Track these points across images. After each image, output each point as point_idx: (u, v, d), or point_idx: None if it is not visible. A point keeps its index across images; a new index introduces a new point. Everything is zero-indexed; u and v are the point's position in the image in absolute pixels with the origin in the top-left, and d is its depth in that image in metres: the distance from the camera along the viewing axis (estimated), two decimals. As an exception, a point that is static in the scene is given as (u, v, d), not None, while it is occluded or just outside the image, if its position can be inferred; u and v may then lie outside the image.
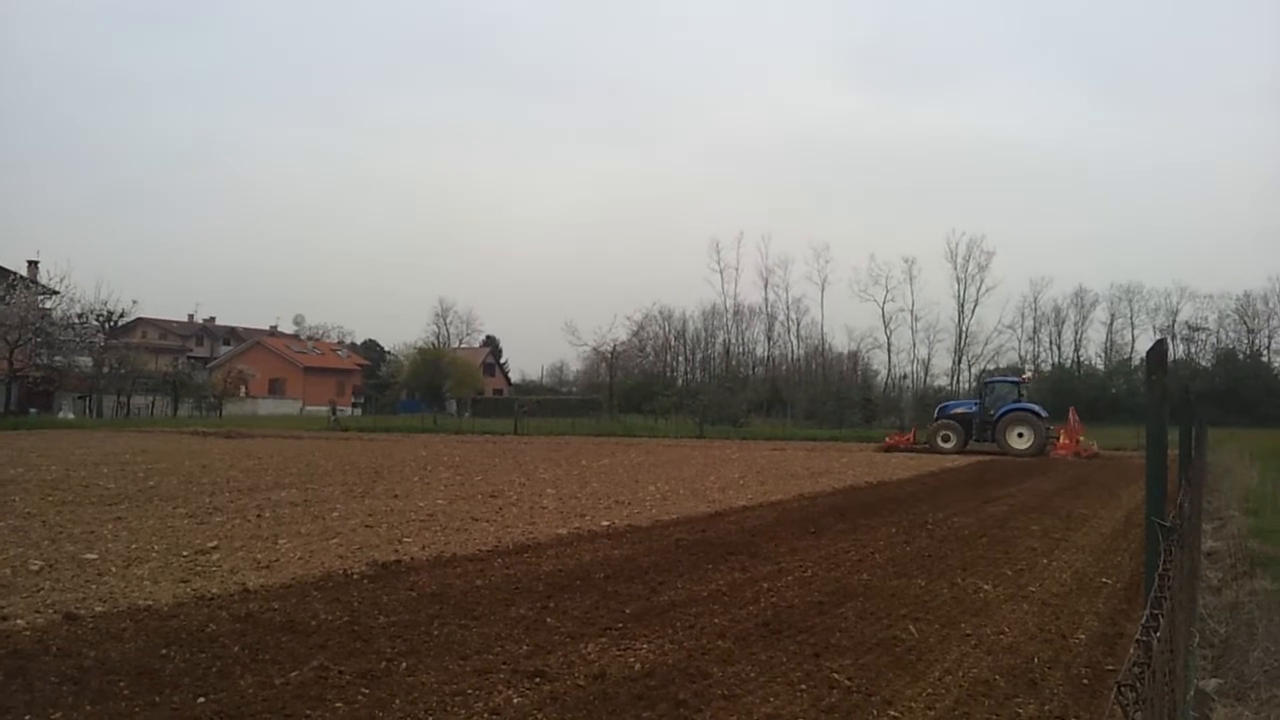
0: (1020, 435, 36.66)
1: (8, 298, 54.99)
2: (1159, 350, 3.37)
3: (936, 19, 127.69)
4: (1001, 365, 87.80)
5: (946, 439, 37.69)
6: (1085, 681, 6.64)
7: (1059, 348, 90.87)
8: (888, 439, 41.08)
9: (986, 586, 9.89)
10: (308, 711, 5.61)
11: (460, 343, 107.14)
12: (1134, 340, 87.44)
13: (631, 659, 6.85)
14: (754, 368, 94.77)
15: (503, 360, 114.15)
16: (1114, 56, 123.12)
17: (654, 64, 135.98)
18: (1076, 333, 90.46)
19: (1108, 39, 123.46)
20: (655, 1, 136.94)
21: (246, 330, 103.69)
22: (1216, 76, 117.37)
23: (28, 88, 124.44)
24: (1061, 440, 36.93)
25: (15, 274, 59.71)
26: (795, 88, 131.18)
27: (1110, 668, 6.87)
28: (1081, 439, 37.33)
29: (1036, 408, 38.43)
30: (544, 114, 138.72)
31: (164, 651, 6.70)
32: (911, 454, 36.43)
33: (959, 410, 39.30)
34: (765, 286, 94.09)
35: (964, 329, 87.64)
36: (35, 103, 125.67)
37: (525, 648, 7.05)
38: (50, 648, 6.74)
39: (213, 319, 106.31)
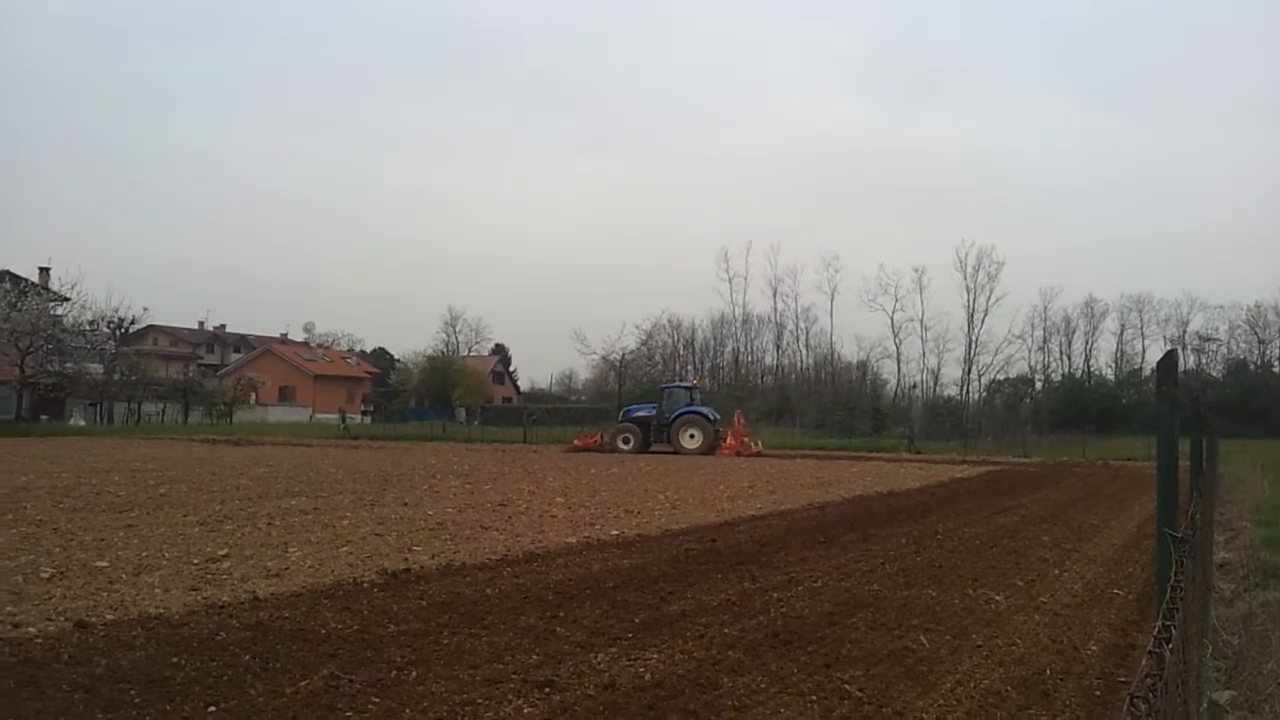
0: (692, 436, 40.39)
1: (19, 305, 55.23)
2: (1169, 361, 3.37)
3: (947, 30, 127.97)
4: (1012, 375, 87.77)
5: (626, 440, 41.12)
6: (1097, 693, 6.61)
7: (1069, 358, 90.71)
8: (576, 440, 43.87)
9: (998, 597, 9.86)
10: (318, 720, 5.61)
11: (469, 351, 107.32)
12: (1144, 350, 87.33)
13: (641, 669, 6.84)
14: (763, 377, 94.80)
15: (512, 369, 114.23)
16: (1124, 67, 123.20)
17: (664, 74, 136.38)
18: (1087, 343, 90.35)
19: (1118, 50, 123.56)
20: (666, 12, 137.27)
21: (257, 338, 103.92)
22: (1226, 87, 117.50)
23: (39, 97, 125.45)
24: (728, 441, 40.84)
25: (27, 281, 60.04)
26: (805, 98, 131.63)
27: (1122, 679, 6.84)
28: (746, 439, 41.75)
29: (707, 411, 42.01)
30: (555, 122, 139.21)
31: (175, 660, 6.71)
32: (612, 454, 39.23)
33: (640, 414, 42.55)
34: (774, 296, 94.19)
35: (974, 339, 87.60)
36: (46, 112, 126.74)
37: (535, 657, 7.04)
38: (61, 655, 6.75)
39: (223, 326, 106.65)
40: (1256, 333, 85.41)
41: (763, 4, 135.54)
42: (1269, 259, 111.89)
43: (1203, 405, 11.37)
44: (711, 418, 41.44)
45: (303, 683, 6.28)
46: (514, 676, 6.53)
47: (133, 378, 67.08)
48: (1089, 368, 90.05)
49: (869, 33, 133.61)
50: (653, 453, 39.95)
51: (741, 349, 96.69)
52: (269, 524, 14.13)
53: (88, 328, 62.31)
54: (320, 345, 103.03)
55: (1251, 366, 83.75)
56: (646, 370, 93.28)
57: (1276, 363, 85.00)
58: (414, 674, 6.54)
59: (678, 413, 41.04)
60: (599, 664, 6.93)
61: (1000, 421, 68.09)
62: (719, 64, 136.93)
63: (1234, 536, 15.42)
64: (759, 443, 42.67)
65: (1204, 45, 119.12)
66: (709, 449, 39.78)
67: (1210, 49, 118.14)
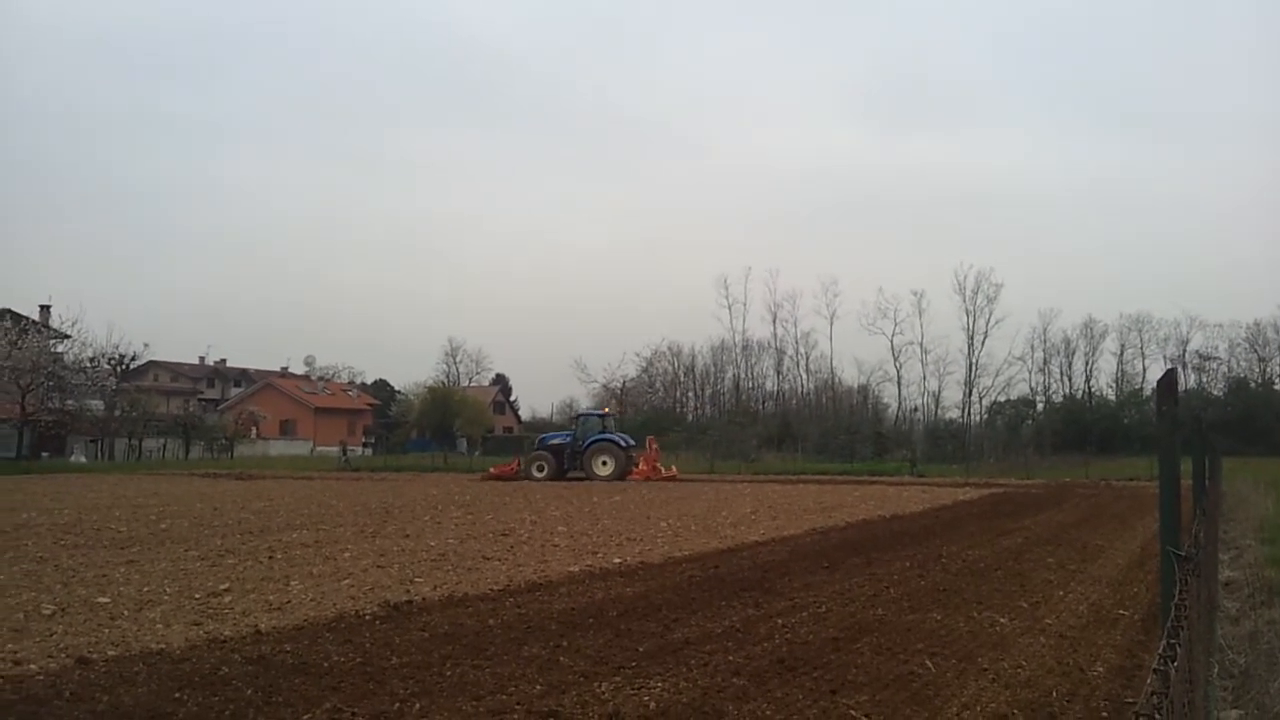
0: (604, 463, 40.94)
1: (20, 342, 55.31)
2: (1169, 380, 3.37)
3: (944, 52, 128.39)
4: (1012, 397, 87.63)
5: (540, 469, 41.25)
6: (1104, 715, 6.57)
7: (1070, 378, 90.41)
8: (492, 469, 44.37)
9: (1003, 620, 9.81)
10: (321, 754, 5.58)
11: (470, 381, 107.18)
12: (1145, 370, 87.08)
13: (646, 698, 6.80)
14: (764, 402, 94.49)
15: (512, 398, 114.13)
16: (1121, 87, 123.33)
17: (662, 99, 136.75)
18: (1087, 363, 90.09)
19: (1115, 71, 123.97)
20: (665, 38, 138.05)
21: (257, 372, 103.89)
22: (1224, 104, 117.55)
23: (38, 132, 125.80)
24: (640, 466, 41.42)
25: (27, 318, 60.12)
26: (802, 122, 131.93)
27: (1129, 700, 6.80)
28: (658, 464, 42.45)
29: (618, 438, 42.42)
30: (553, 150, 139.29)
31: (177, 695, 6.69)
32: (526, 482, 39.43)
33: (554, 442, 43.03)
34: (774, 321, 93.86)
35: (974, 361, 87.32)
36: (45, 147, 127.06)
37: (539, 687, 7.01)
38: (63, 692, 6.72)
39: (224, 361, 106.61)
40: (1257, 351, 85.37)
41: (760, 29, 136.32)
42: (1268, 277, 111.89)
43: (1204, 424, 11.38)
44: (624, 444, 41.94)
45: (305, 716, 6.26)
46: (518, 707, 6.50)
47: (133, 414, 67.09)
48: (1090, 388, 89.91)
49: (867, 56, 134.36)
50: (568, 479, 40.23)
51: (742, 375, 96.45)
52: (270, 557, 14.10)
53: (88, 365, 62.37)
54: (321, 378, 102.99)
55: (1252, 385, 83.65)
56: (647, 398, 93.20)
57: (1277, 380, 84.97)
58: (417, 706, 6.51)
59: (590, 440, 41.56)
60: (603, 693, 6.90)
61: (1002, 443, 67.86)
62: (717, 90, 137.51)
63: (1238, 555, 15.37)
64: (673, 468, 43.34)
65: (1201, 63, 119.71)
66: (621, 475, 40.22)
67: (1207, 66, 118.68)
